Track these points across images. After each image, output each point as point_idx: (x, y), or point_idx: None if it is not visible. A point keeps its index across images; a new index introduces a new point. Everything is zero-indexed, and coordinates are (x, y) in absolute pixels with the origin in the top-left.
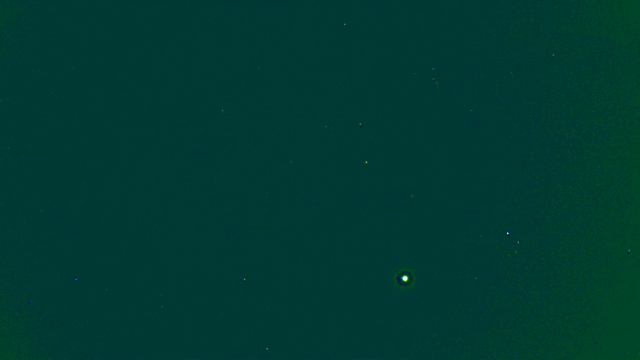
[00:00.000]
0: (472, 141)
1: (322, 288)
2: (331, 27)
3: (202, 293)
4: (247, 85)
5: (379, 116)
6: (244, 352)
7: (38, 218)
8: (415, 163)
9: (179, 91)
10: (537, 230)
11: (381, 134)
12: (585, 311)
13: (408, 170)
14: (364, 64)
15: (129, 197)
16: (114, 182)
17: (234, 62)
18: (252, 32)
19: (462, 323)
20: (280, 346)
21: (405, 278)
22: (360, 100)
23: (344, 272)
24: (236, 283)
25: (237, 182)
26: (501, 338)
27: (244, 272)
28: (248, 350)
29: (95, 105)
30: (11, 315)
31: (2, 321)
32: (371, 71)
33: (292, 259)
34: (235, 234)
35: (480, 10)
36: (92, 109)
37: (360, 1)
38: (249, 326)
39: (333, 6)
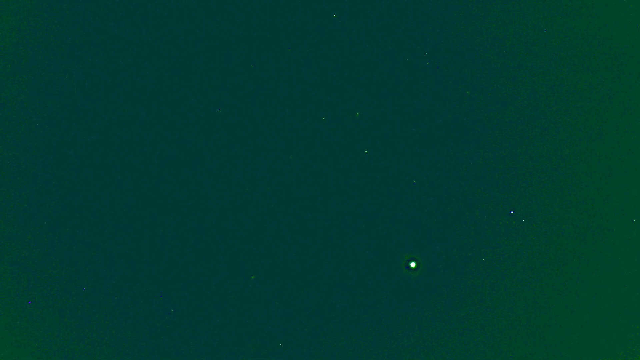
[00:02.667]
0: (471, 124)
1: (330, 278)
2: (321, 19)
3: (212, 293)
4: (242, 84)
5: (375, 104)
6: (257, 349)
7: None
8: (417, 148)
9: (176, 94)
10: (540, 206)
11: (379, 122)
12: (592, 282)
13: (409, 156)
14: (356, 54)
15: (130, 198)
16: (116, 183)
17: (228, 62)
18: (243, 29)
19: (470, 307)
20: (292, 337)
21: (413, 264)
22: (355, 89)
23: (352, 262)
24: (245, 281)
25: (239, 180)
26: (509, 319)
27: (251, 269)
28: (261, 346)
29: (92, 107)
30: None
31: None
32: (363, 60)
33: (300, 251)
34: (241, 231)
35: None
36: (89, 112)
37: None
38: (260, 321)
39: None
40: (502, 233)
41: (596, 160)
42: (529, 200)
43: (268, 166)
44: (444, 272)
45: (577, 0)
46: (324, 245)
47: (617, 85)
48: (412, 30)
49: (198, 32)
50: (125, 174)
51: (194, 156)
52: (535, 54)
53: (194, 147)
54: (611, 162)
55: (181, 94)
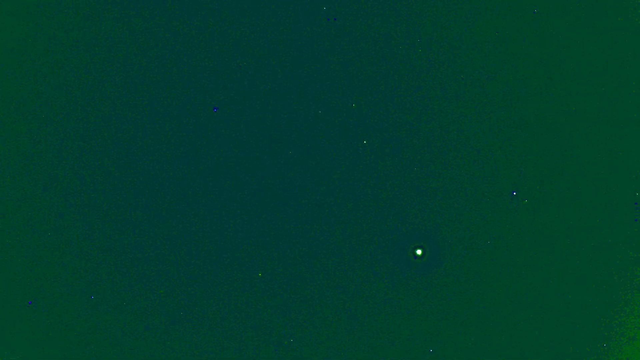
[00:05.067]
0: (470, 108)
1: (337, 269)
2: (312, 13)
3: (220, 292)
4: (235, 82)
5: (371, 94)
6: (269, 342)
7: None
8: (417, 135)
9: (172, 95)
10: (542, 186)
11: (376, 111)
12: (596, 262)
13: (410, 143)
14: (347, 45)
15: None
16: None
17: (221, 61)
18: (236, 27)
19: (477, 290)
20: (302, 328)
21: (419, 252)
22: (349, 81)
23: (359, 250)
24: (253, 279)
25: (241, 178)
26: (515, 302)
27: (258, 266)
28: (272, 340)
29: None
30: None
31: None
32: (356, 51)
33: (308, 243)
34: (247, 226)
35: None
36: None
37: None
38: (270, 317)
39: None
40: (504, 213)
41: (599, 140)
42: (530, 180)
43: (268, 163)
44: (450, 257)
45: None
46: (331, 237)
47: (620, 67)
48: (405, 19)
49: (190, 32)
50: (128, 175)
51: (200, 156)
52: (529, 39)
53: (197, 148)
54: (614, 143)
55: (177, 97)
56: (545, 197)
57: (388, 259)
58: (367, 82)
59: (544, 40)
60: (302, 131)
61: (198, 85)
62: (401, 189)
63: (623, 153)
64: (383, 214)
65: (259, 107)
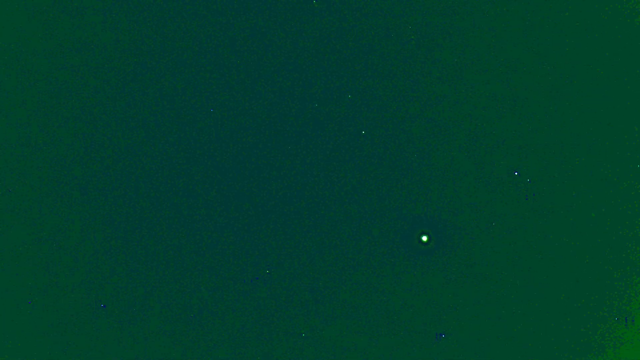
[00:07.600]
0: (469, 92)
1: (344, 257)
2: (304, 7)
3: (228, 291)
4: (231, 81)
5: (366, 83)
6: (280, 340)
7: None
8: (416, 122)
9: (170, 95)
10: (545, 169)
11: (373, 100)
12: (600, 243)
13: (410, 131)
14: (340, 37)
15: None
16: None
17: (216, 60)
18: (228, 25)
19: (485, 275)
20: (310, 317)
21: (424, 238)
22: (342, 72)
23: (365, 238)
24: (261, 277)
25: (243, 173)
26: (523, 286)
27: (264, 263)
28: (286, 334)
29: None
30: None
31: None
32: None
33: (314, 231)
34: (253, 222)
35: None
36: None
37: None
38: (278, 313)
39: None
40: (508, 194)
41: (601, 119)
42: (532, 160)
43: (268, 158)
44: (456, 243)
45: None
46: (337, 226)
47: (623, 50)
48: (398, 5)
49: (187, 34)
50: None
51: (195, 158)
52: (530, 24)
53: (194, 151)
54: (616, 123)
55: (174, 98)
56: (549, 178)
57: (394, 246)
58: (361, 71)
59: (546, 26)
60: (300, 126)
61: (194, 85)
62: (405, 176)
63: (629, 135)
64: (388, 201)
65: (256, 104)
